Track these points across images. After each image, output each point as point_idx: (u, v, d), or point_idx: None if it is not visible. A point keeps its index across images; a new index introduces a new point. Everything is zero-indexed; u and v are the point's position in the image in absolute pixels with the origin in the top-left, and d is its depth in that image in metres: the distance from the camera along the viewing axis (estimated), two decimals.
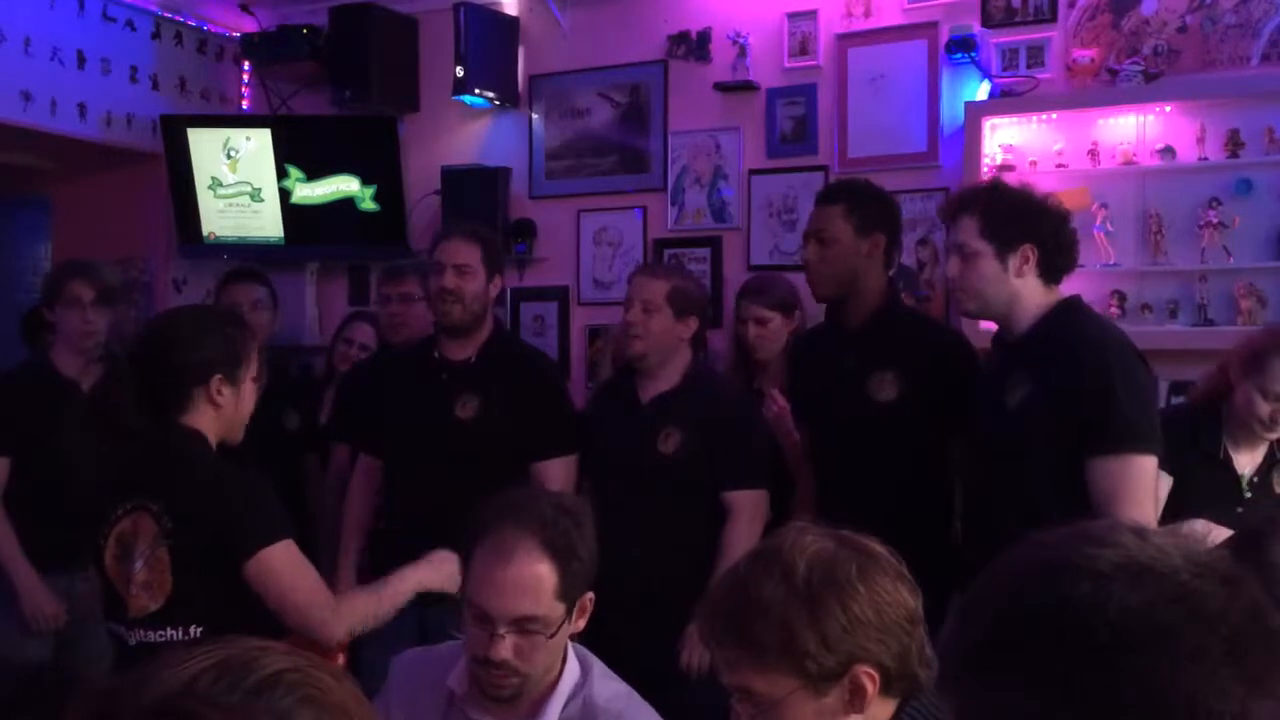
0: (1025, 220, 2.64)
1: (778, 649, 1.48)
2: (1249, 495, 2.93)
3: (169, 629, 2.28)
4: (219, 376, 2.35)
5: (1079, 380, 2.51)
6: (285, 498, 2.50)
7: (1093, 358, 2.53)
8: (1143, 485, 2.46)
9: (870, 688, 1.50)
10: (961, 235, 2.68)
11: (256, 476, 2.34)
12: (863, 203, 3.12)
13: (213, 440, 2.37)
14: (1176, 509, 2.75)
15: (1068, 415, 2.50)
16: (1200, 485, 2.88)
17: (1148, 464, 2.48)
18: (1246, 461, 2.95)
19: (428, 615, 3.22)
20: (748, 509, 3.16)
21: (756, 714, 1.52)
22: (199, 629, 2.27)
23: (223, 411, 2.37)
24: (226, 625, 2.27)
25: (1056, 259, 2.65)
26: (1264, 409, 2.85)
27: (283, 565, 2.27)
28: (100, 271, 3.74)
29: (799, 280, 3.49)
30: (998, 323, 2.77)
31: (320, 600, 2.30)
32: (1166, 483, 2.84)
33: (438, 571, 2.52)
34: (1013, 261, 2.62)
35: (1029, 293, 2.64)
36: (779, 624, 1.49)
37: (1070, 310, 2.65)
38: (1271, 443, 2.95)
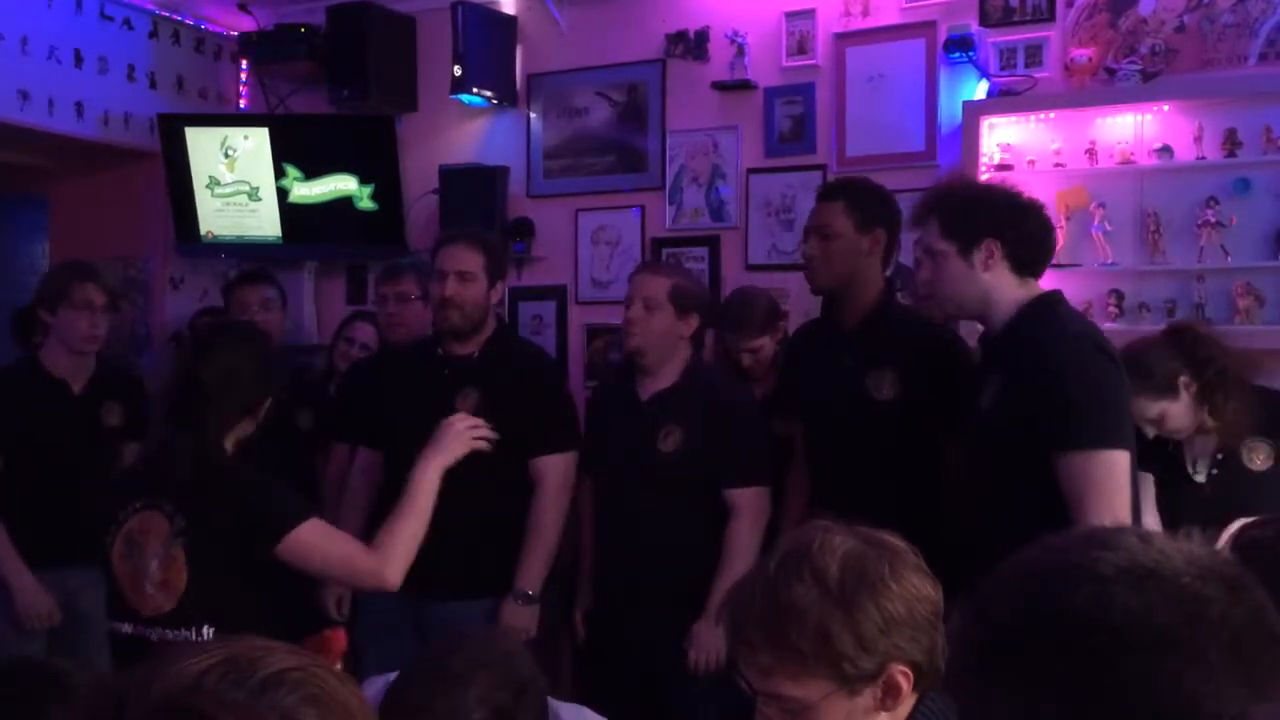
0: (983, 214, 2.63)
1: (815, 654, 1.46)
2: (1201, 479, 2.94)
3: (182, 629, 2.34)
4: (269, 399, 2.52)
5: (1038, 378, 2.50)
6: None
7: (1048, 356, 2.51)
8: (1111, 480, 2.42)
9: (905, 686, 1.49)
10: (927, 238, 2.68)
11: (264, 470, 2.45)
12: (864, 200, 3.12)
13: (231, 448, 2.49)
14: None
15: (1031, 413, 2.49)
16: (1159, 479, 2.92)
17: (1115, 458, 2.44)
18: (1200, 448, 2.94)
19: (424, 613, 3.23)
20: (750, 506, 3.17)
21: (787, 719, 1.50)
22: (210, 629, 2.33)
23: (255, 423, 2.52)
24: (237, 627, 2.33)
25: (1023, 250, 2.62)
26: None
27: (314, 540, 2.37)
28: (106, 275, 3.77)
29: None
30: (978, 321, 2.76)
31: (361, 557, 2.41)
32: (1148, 481, 2.86)
33: (443, 453, 2.56)
34: (977, 257, 2.60)
35: (1001, 288, 2.62)
36: (815, 628, 1.46)
37: (1040, 307, 2.62)
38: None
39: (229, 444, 2.46)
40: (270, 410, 2.56)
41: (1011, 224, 2.62)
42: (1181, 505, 2.83)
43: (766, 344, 3.63)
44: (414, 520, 2.46)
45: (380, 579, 2.42)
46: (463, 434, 2.57)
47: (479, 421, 2.62)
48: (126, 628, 2.40)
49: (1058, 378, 2.47)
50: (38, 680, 1.49)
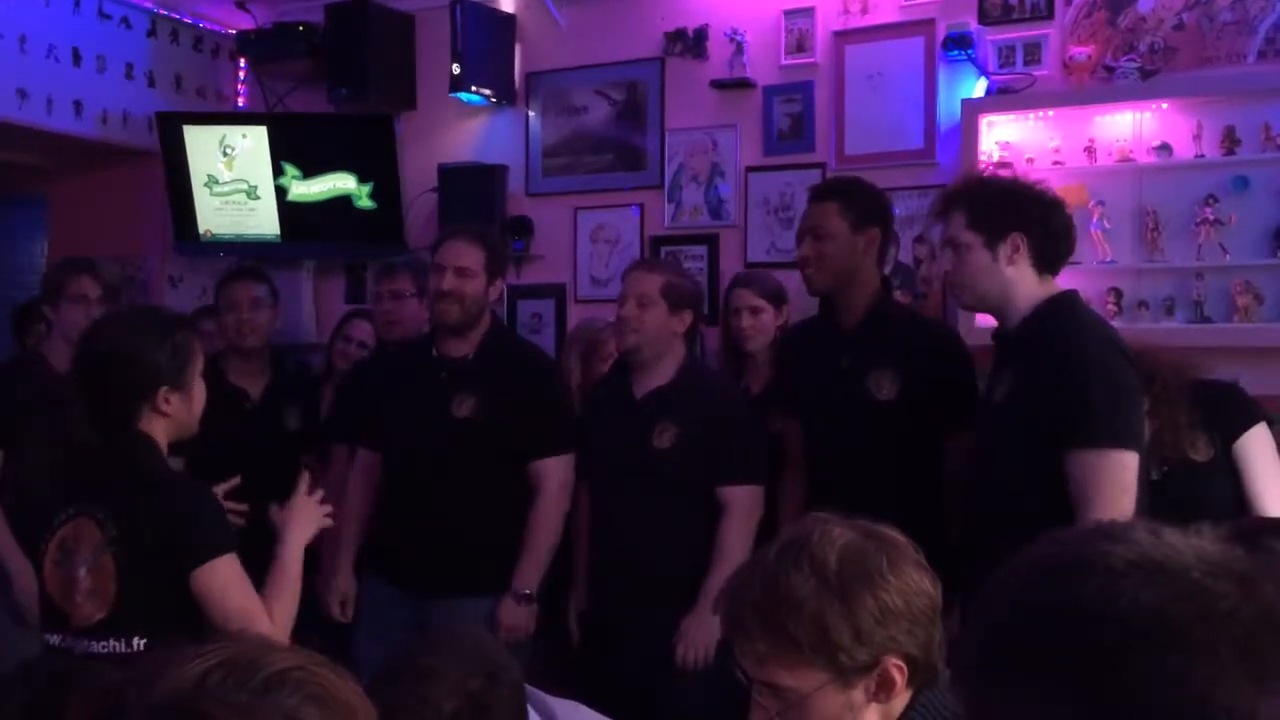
0: (1012, 208, 2.63)
1: (811, 644, 1.48)
2: (1155, 477, 2.90)
3: (111, 639, 2.22)
4: (165, 388, 2.30)
5: (1053, 376, 2.50)
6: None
7: (1068, 353, 2.51)
8: (1119, 480, 2.43)
9: (899, 679, 1.50)
10: (951, 229, 2.68)
11: (203, 487, 2.31)
12: (857, 199, 3.13)
13: (164, 444, 2.34)
14: None
15: (1046, 408, 2.49)
16: None
17: (1125, 459, 2.45)
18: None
19: (425, 613, 3.23)
20: (743, 504, 3.17)
21: (782, 709, 1.51)
22: (141, 640, 2.22)
23: (172, 418, 2.34)
24: (169, 636, 2.19)
25: (1047, 246, 2.63)
26: None
27: (227, 579, 2.23)
28: (104, 269, 3.74)
29: (792, 278, 3.50)
30: (994, 315, 2.76)
31: (260, 613, 2.25)
32: None
33: (302, 527, 2.43)
34: (1003, 251, 2.61)
35: (1022, 283, 2.62)
36: (812, 618, 1.48)
37: (1059, 306, 2.63)
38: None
39: (160, 440, 2.32)
40: (192, 408, 2.38)
41: (1040, 219, 2.63)
42: (1144, 503, 2.84)
43: (769, 312, 3.64)
44: (289, 597, 2.33)
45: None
46: (315, 511, 2.45)
47: (325, 505, 2.49)
48: (55, 639, 2.29)
49: (1077, 375, 2.47)
50: (59, 678, 1.48)
